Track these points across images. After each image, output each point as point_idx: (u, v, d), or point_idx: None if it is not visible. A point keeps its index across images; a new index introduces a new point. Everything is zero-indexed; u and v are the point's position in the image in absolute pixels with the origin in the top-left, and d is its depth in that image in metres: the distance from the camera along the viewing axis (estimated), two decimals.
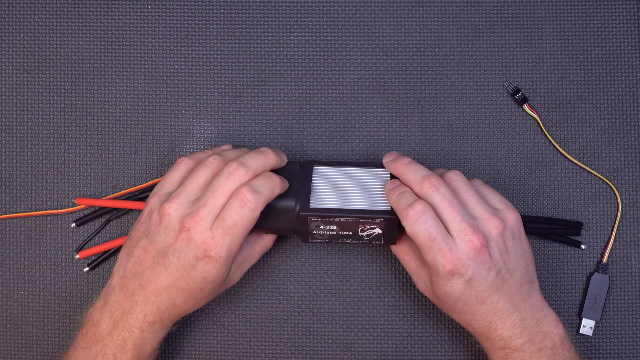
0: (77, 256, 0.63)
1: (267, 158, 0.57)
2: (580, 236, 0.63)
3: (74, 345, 0.56)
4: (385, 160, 0.58)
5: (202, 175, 0.56)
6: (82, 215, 0.63)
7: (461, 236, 0.53)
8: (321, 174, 0.58)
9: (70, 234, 0.63)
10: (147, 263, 0.54)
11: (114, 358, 0.54)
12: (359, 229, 0.56)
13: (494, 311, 0.54)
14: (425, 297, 0.62)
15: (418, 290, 0.62)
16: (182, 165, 0.58)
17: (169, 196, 0.55)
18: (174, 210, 0.54)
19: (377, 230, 0.57)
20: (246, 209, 0.53)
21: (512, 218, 0.55)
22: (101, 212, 0.63)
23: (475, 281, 0.53)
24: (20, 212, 0.63)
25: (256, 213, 0.54)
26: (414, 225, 0.53)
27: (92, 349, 0.55)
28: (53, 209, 0.63)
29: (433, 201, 0.54)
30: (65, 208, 0.63)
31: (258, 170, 0.56)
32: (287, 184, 0.58)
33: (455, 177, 0.56)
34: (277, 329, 0.63)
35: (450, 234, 0.53)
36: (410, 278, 0.62)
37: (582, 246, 0.62)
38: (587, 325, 0.62)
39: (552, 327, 0.55)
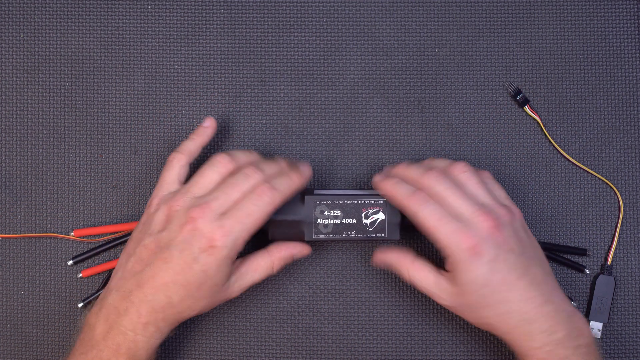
0: (80, 275, 0.62)
1: (281, 167, 0.56)
2: (586, 256, 0.62)
3: (73, 351, 0.55)
4: (376, 179, 0.57)
5: (208, 175, 0.55)
6: (80, 252, 0.63)
7: (473, 217, 0.51)
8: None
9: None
10: (148, 260, 0.53)
11: None
12: (363, 214, 0.56)
13: (526, 299, 0.51)
14: (426, 297, 0.62)
15: (418, 290, 0.62)
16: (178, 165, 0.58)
17: (174, 195, 0.55)
18: (181, 205, 0.53)
19: (381, 216, 0.56)
20: (263, 202, 0.53)
21: (518, 213, 0.55)
22: (99, 249, 0.62)
23: (500, 262, 0.51)
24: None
25: (271, 209, 0.53)
26: (419, 209, 0.52)
27: (88, 355, 0.53)
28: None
29: (436, 190, 0.53)
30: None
31: (274, 176, 0.55)
32: (308, 176, 0.57)
33: (465, 169, 0.55)
34: (277, 329, 0.63)
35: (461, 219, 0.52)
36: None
37: (587, 271, 0.62)
38: (595, 328, 0.61)
39: (582, 324, 0.53)
